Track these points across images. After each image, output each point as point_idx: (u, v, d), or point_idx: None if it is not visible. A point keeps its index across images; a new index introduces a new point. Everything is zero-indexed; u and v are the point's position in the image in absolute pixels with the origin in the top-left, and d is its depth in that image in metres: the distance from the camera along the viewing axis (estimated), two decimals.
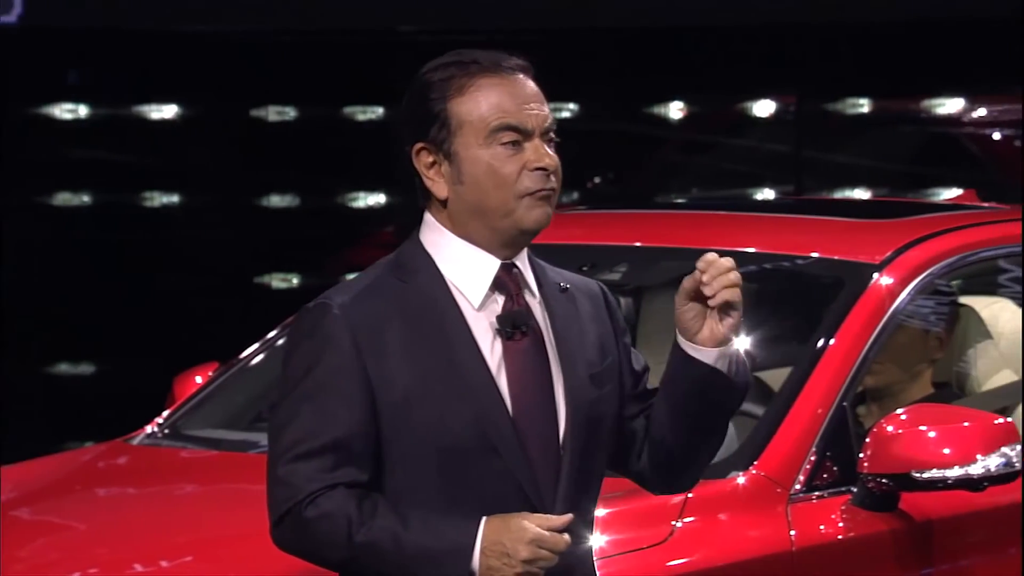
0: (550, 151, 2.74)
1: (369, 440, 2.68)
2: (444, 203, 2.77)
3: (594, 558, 2.80)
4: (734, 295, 2.69)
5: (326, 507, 2.67)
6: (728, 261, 2.70)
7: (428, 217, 2.80)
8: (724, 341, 2.71)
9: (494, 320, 2.72)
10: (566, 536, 2.66)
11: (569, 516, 2.66)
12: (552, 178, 2.74)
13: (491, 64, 2.75)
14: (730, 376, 2.72)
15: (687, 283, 2.70)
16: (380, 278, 2.75)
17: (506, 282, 2.74)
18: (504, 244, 2.75)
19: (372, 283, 2.75)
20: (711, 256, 2.70)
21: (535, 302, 2.77)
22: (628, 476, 2.84)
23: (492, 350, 2.72)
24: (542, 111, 2.75)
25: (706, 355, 2.70)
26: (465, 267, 2.73)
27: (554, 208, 2.76)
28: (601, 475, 2.80)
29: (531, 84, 2.75)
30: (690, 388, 2.73)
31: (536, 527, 2.64)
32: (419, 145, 2.79)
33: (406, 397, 2.69)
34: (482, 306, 2.73)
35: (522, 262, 2.77)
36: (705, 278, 2.69)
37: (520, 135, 2.74)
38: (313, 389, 2.69)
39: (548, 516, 2.66)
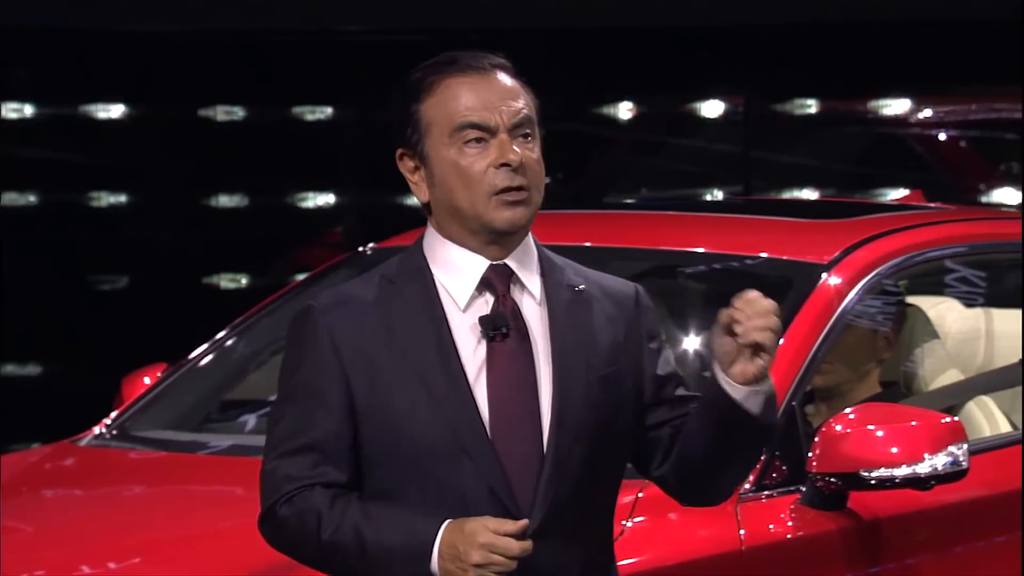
0: (521, 147, 2.71)
1: (345, 441, 2.69)
2: (428, 207, 2.77)
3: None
4: (765, 338, 2.64)
5: (300, 506, 2.69)
6: (768, 303, 2.65)
7: (429, 221, 2.80)
8: (754, 380, 2.66)
9: (477, 322, 2.71)
10: (523, 543, 2.63)
11: (524, 522, 2.63)
12: (520, 174, 2.70)
13: (464, 63, 2.74)
14: (756, 415, 2.67)
15: (723, 318, 2.66)
16: (369, 281, 2.75)
17: (494, 283, 2.72)
18: (486, 244, 2.73)
19: (360, 286, 2.75)
20: (752, 295, 2.65)
21: (532, 303, 2.73)
22: (649, 480, 2.81)
23: (475, 352, 2.70)
24: (511, 107, 2.72)
25: (735, 391, 2.66)
26: (453, 269, 2.72)
27: (534, 206, 2.72)
28: (604, 483, 2.73)
29: (504, 81, 2.73)
30: (718, 417, 2.69)
31: (490, 531, 2.62)
32: (400, 150, 2.80)
33: (382, 400, 2.69)
34: (468, 307, 2.72)
35: (517, 261, 2.73)
36: (739, 316, 2.64)
37: (485, 132, 2.72)
38: (295, 390, 2.72)
39: (505, 520, 2.64)
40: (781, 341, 3.78)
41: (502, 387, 2.69)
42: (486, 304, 2.72)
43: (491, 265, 2.73)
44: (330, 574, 2.74)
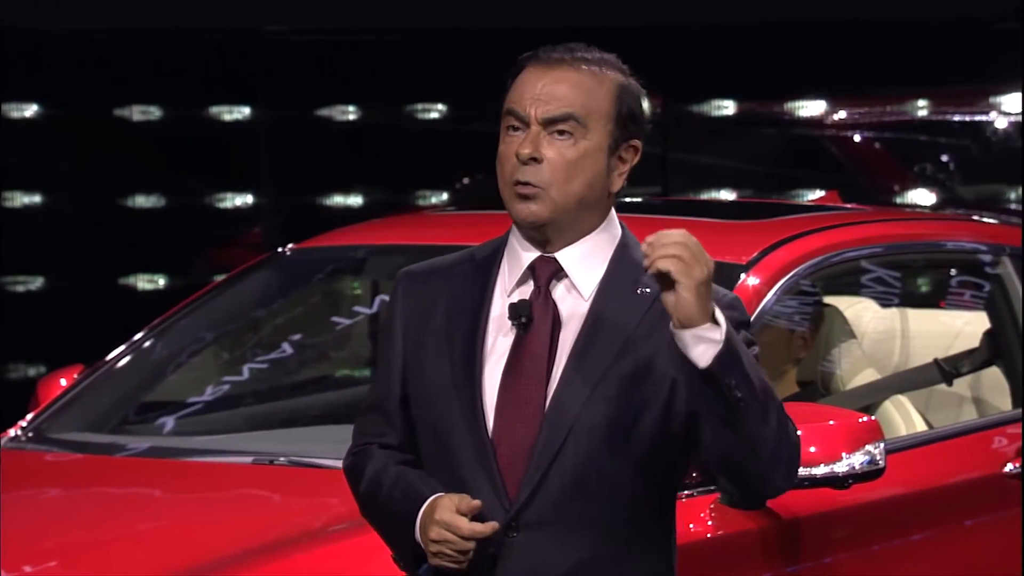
0: (551, 144, 2.72)
1: (397, 406, 2.81)
2: None
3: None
4: (670, 264, 2.58)
5: (357, 461, 2.84)
6: (675, 233, 2.60)
7: None
8: (685, 319, 2.58)
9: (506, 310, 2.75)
10: (475, 525, 2.65)
11: (477, 503, 2.66)
12: (534, 170, 2.72)
13: (543, 53, 2.77)
14: (707, 368, 2.58)
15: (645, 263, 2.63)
16: (459, 258, 2.83)
17: (538, 273, 2.76)
18: (526, 234, 2.77)
19: (451, 258, 2.83)
20: (660, 232, 2.62)
21: (577, 298, 2.74)
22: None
23: (501, 338, 2.74)
24: (550, 101, 2.73)
25: (679, 340, 2.61)
26: (513, 255, 2.78)
27: (550, 205, 2.72)
28: (617, 481, 2.70)
29: (566, 75, 2.74)
30: (686, 382, 2.65)
31: (450, 510, 2.67)
32: None
33: (417, 371, 2.79)
34: (511, 294, 2.77)
35: (572, 256, 2.74)
36: (647, 250, 2.62)
37: (520, 122, 2.75)
38: (380, 349, 2.85)
39: (470, 501, 2.68)
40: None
41: (512, 375, 2.73)
42: (527, 293, 2.76)
43: (540, 256, 2.77)
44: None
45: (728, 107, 7.35)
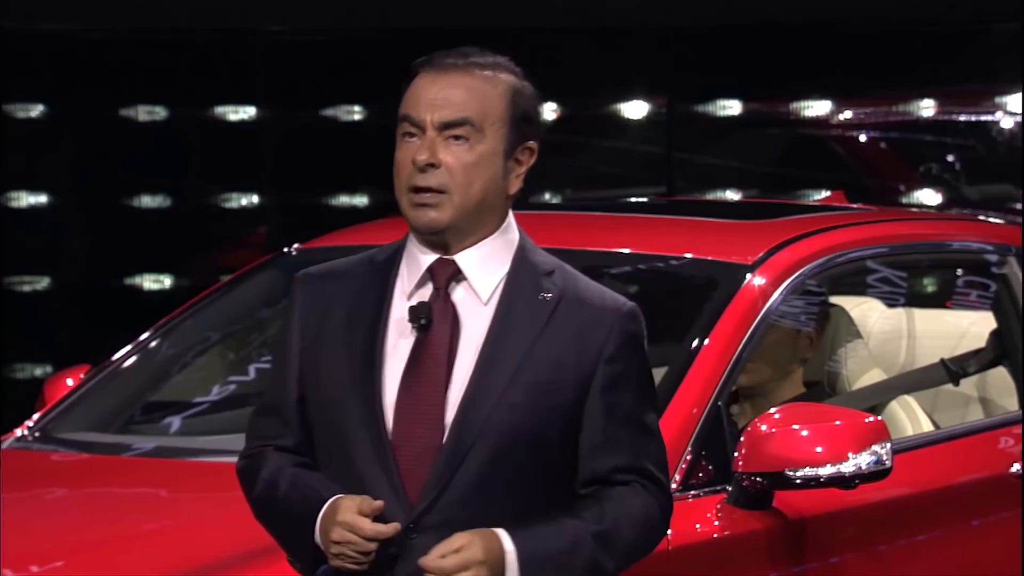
0: (447, 149, 2.74)
1: (293, 408, 2.81)
2: None
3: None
4: None
5: (251, 464, 2.85)
6: (460, 559, 2.66)
7: None
8: None
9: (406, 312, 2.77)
10: (377, 525, 2.67)
11: (380, 504, 2.67)
12: (431, 176, 2.73)
13: (436, 59, 2.79)
14: None
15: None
16: (360, 257, 2.83)
17: (436, 276, 2.77)
18: (423, 239, 2.78)
19: (348, 261, 2.84)
20: (437, 559, 2.66)
21: (476, 301, 2.76)
22: None
23: (401, 341, 2.75)
24: (445, 106, 2.75)
25: None
26: (411, 258, 2.80)
27: (451, 210, 2.74)
28: (523, 487, 2.73)
29: (459, 79, 2.76)
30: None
31: (352, 511, 2.68)
32: None
33: (315, 373, 2.79)
34: (411, 296, 2.78)
35: (471, 259, 2.76)
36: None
37: (415, 128, 2.77)
38: (276, 350, 2.87)
39: (372, 503, 2.69)
40: (707, 342, 3.82)
41: (411, 377, 2.74)
42: (426, 295, 2.77)
43: (439, 258, 2.77)
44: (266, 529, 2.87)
45: (733, 107, 7.35)
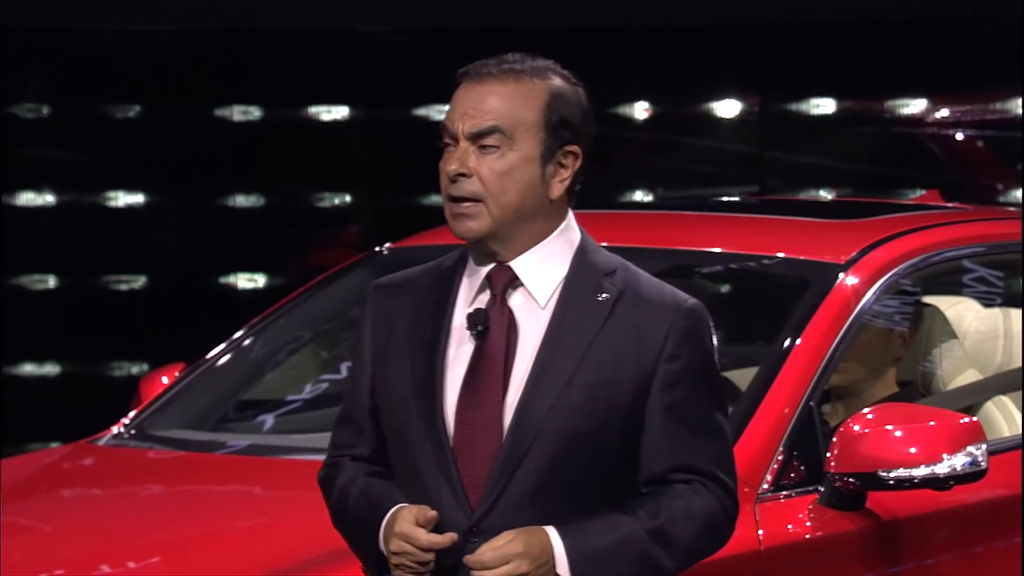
0: (479, 158, 2.76)
1: (367, 418, 2.84)
2: None
3: None
4: None
5: (329, 473, 2.89)
6: (503, 553, 2.67)
7: None
8: None
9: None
10: (432, 536, 2.69)
11: (434, 514, 2.69)
12: (463, 185, 2.76)
13: (473, 68, 2.81)
14: None
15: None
16: (426, 268, 2.86)
17: (494, 282, 2.79)
18: (473, 246, 2.80)
19: (419, 270, 2.87)
20: (482, 555, 2.67)
21: (533, 305, 2.77)
22: None
23: (462, 347, 2.77)
24: (474, 116, 2.77)
25: None
26: (470, 266, 2.82)
27: (486, 219, 2.76)
28: (583, 490, 2.73)
29: (491, 88, 2.77)
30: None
31: (410, 522, 2.70)
32: None
33: (383, 381, 2.82)
34: (472, 303, 2.80)
35: (527, 264, 2.77)
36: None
37: (451, 138, 2.80)
38: (353, 360, 2.90)
39: (423, 508, 2.71)
40: (799, 341, 3.79)
41: (470, 384, 2.76)
42: (484, 302, 2.79)
43: (495, 265, 2.79)
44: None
45: (826, 105, 7.30)
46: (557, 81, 2.80)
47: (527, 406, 2.73)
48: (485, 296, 2.79)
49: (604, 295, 2.76)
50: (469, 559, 2.67)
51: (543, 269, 2.78)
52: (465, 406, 2.75)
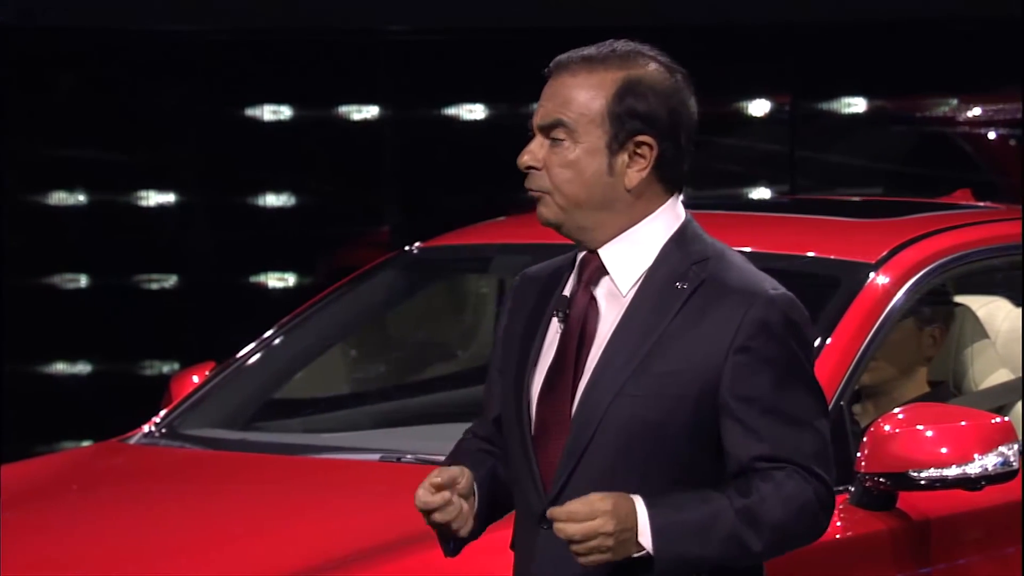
0: (547, 150, 2.77)
1: (492, 400, 2.87)
2: None
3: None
4: (598, 560, 2.66)
5: (452, 449, 2.93)
6: (586, 528, 2.66)
7: None
8: None
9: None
10: (425, 494, 2.72)
11: (438, 475, 2.72)
12: (533, 176, 2.78)
13: (555, 60, 2.82)
14: None
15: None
16: (565, 257, 2.87)
17: (582, 270, 2.80)
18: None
19: (554, 261, 2.89)
20: (566, 527, 2.66)
21: (615, 293, 2.77)
22: None
23: (555, 337, 2.79)
24: (543, 109, 2.78)
25: None
26: (578, 255, 2.84)
27: (557, 208, 2.77)
28: (653, 477, 2.70)
29: (562, 80, 2.78)
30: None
31: (425, 482, 2.75)
32: None
33: (502, 366, 2.86)
34: (569, 290, 2.82)
35: (614, 252, 2.77)
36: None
37: (531, 131, 2.82)
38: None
39: (442, 469, 2.75)
40: (829, 340, 3.77)
41: (551, 371, 2.77)
42: (571, 288, 2.81)
43: (586, 253, 2.81)
44: None
45: (857, 104, 7.27)
46: (640, 69, 2.78)
47: (590, 395, 2.73)
48: (575, 283, 2.82)
49: (683, 284, 2.74)
50: (555, 510, 2.65)
51: (628, 257, 2.77)
52: (544, 394, 2.77)
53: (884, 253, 3.96)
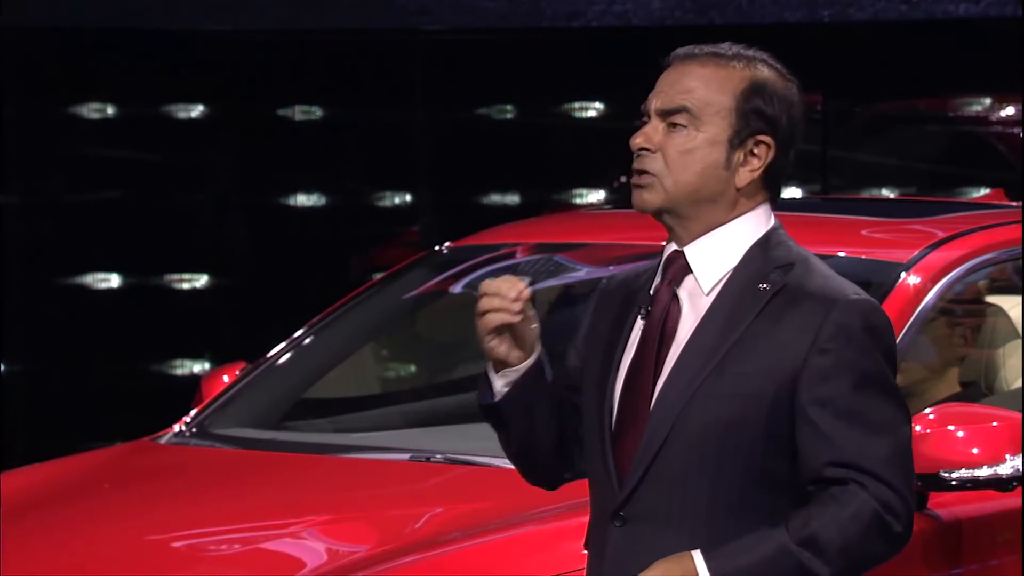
0: (665, 135, 2.76)
1: (563, 388, 2.85)
2: None
3: None
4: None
5: None
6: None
7: None
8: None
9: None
10: (506, 285, 2.72)
11: (513, 281, 2.73)
12: (643, 159, 2.76)
13: (679, 51, 2.82)
14: None
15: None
16: (652, 263, 2.87)
17: (668, 268, 2.80)
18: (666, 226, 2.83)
19: (643, 266, 2.88)
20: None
21: (698, 292, 2.77)
22: None
23: (638, 336, 2.79)
24: (667, 94, 2.77)
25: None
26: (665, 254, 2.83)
27: (660, 195, 2.76)
28: (728, 478, 2.70)
29: (689, 69, 2.77)
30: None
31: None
32: None
33: (585, 365, 2.85)
34: (653, 288, 2.82)
35: (699, 250, 2.77)
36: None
37: (645, 114, 2.81)
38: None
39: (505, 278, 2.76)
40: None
41: (632, 369, 2.78)
42: (656, 286, 2.81)
43: (673, 250, 2.80)
44: None
45: (890, 104, 7.25)
46: (764, 72, 2.79)
47: (666, 394, 2.73)
48: (659, 281, 2.81)
49: (765, 286, 2.73)
50: None
51: (712, 257, 2.76)
52: (625, 392, 2.77)
53: (916, 253, 3.95)
